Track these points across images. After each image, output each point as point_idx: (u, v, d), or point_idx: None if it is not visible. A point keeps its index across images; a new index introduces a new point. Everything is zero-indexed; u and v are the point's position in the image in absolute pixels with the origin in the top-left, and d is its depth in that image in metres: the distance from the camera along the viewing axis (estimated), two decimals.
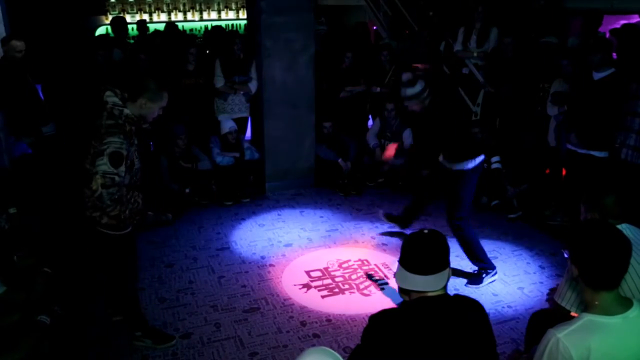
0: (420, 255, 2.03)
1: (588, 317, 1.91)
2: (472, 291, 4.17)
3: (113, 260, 3.37)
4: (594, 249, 1.91)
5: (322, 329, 3.75)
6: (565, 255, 2.08)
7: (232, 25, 9.49)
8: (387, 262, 4.61)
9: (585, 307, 1.97)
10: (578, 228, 1.99)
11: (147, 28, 7.78)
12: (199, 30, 9.37)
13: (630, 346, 1.88)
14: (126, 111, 3.06)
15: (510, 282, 4.34)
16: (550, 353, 1.87)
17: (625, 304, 1.93)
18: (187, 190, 5.67)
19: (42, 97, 5.51)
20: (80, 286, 4.13)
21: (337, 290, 4.25)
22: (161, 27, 8.58)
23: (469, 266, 4.58)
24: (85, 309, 3.90)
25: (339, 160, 6.18)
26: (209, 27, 8.98)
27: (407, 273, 2.03)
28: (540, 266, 4.59)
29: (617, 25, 7.09)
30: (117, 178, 3.01)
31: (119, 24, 6.86)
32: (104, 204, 3.04)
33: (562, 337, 1.86)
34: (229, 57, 5.94)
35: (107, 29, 8.84)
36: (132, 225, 3.31)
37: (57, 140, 5.21)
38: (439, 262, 2.03)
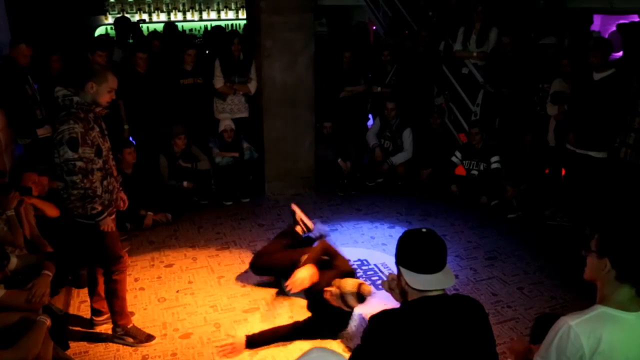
0: (428, 254, 2.03)
1: (602, 309, 1.91)
2: (472, 291, 4.17)
3: (96, 249, 3.41)
4: (631, 240, 1.90)
5: None
6: (583, 254, 2.04)
7: (232, 25, 9.48)
8: (386, 263, 4.61)
9: (601, 299, 1.95)
10: (611, 220, 1.98)
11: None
12: (199, 31, 9.37)
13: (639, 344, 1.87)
14: (76, 98, 3.15)
15: (509, 282, 4.34)
16: (560, 340, 1.87)
17: None
18: (185, 184, 5.65)
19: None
20: (79, 285, 4.16)
21: None
22: (159, 27, 8.59)
23: (468, 266, 4.59)
24: (84, 308, 3.91)
25: (339, 160, 6.17)
26: (209, 27, 8.96)
27: (414, 274, 2.02)
28: (539, 266, 4.59)
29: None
30: (79, 163, 3.08)
31: (122, 25, 6.82)
32: (68, 192, 3.14)
33: (574, 324, 1.86)
34: (229, 58, 5.93)
35: (106, 29, 8.84)
36: (111, 214, 3.35)
37: (52, 143, 5.20)
38: (443, 259, 2.04)
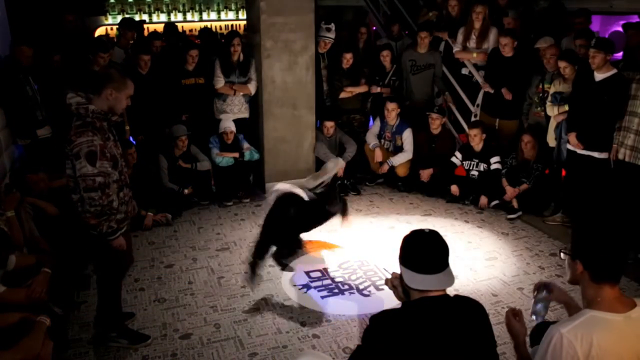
0: (427, 254, 2.03)
1: (591, 313, 1.93)
2: (472, 291, 4.17)
3: (105, 262, 3.35)
4: (598, 240, 1.95)
5: (321, 329, 3.75)
6: (562, 257, 2.09)
7: (232, 25, 9.46)
8: (386, 263, 4.61)
9: (587, 304, 1.98)
10: (580, 225, 2.02)
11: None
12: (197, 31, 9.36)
13: (631, 345, 1.89)
14: (92, 107, 2.99)
15: (510, 283, 4.34)
16: (554, 349, 1.88)
17: (628, 303, 1.94)
18: (186, 191, 5.66)
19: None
20: (79, 285, 4.16)
21: (336, 290, 4.25)
22: (160, 27, 8.56)
23: (469, 266, 4.59)
24: (85, 308, 3.91)
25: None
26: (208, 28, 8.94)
27: (413, 273, 2.02)
28: (539, 267, 4.59)
29: (616, 26, 7.12)
30: (98, 179, 2.94)
31: (128, 26, 6.79)
32: (84, 209, 3.00)
33: (566, 332, 1.88)
34: (228, 58, 5.93)
35: (106, 29, 8.82)
36: (122, 228, 3.24)
37: (52, 144, 5.22)
38: (446, 259, 2.04)
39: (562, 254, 2.08)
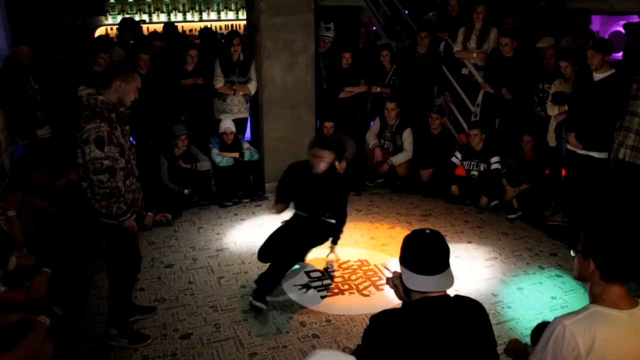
0: (425, 256, 2.02)
1: (595, 308, 1.95)
2: (472, 291, 4.17)
3: (117, 251, 3.39)
4: (613, 240, 1.97)
5: (321, 329, 3.75)
6: (572, 254, 2.10)
7: (232, 25, 9.47)
8: (386, 263, 4.61)
9: (593, 299, 2.00)
10: (595, 224, 2.04)
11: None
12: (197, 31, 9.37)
13: (634, 340, 1.91)
14: (101, 97, 3.14)
15: (509, 283, 4.34)
16: (556, 340, 1.90)
17: (632, 302, 1.96)
18: (186, 191, 5.66)
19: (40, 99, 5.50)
20: (79, 285, 4.15)
21: (336, 290, 4.25)
22: (160, 27, 8.57)
23: (469, 266, 4.59)
24: (85, 308, 3.91)
25: (335, 163, 6.15)
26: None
27: (412, 274, 2.02)
28: (539, 267, 4.59)
29: (616, 26, 7.14)
30: (106, 162, 3.08)
31: (128, 26, 6.80)
32: (95, 192, 3.12)
33: (569, 324, 1.89)
34: (228, 58, 5.93)
35: (106, 29, 8.83)
36: (133, 214, 3.34)
37: (52, 144, 5.22)
38: (446, 261, 2.04)
39: (572, 252, 2.09)
